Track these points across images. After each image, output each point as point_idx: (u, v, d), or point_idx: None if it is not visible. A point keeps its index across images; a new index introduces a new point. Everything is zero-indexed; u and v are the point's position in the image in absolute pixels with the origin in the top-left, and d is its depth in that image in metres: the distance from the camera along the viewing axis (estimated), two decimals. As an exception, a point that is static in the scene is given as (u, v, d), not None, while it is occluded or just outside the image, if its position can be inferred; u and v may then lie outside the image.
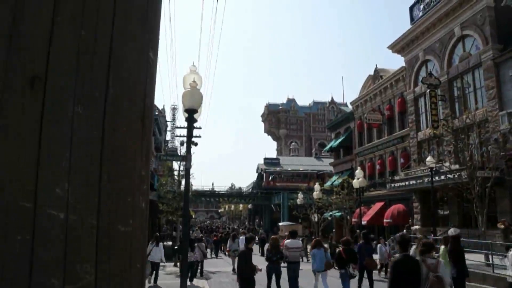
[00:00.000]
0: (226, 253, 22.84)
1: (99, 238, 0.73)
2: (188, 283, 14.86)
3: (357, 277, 11.67)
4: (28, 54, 0.75)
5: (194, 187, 45.26)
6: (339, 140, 40.34)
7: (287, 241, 12.78)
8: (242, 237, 19.49)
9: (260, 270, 10.28)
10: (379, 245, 17.72)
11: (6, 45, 0.74)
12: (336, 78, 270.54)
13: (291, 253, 11.81)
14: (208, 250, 26.20)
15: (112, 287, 0.74)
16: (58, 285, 0.69)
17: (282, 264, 11.69)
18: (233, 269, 18.64)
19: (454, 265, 9.59)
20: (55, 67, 0.75)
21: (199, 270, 17.62)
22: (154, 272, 14.90)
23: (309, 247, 20.52)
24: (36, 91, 0.73)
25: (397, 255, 6.31)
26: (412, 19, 28.10)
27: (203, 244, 19.38)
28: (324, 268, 11.61)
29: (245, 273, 9.71)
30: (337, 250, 14.41)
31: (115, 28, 0.80)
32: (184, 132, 21.09)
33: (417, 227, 23.68)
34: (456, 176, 19.42)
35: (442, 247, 10.43)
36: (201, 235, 25.06)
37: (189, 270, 15.13)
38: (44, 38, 0.75)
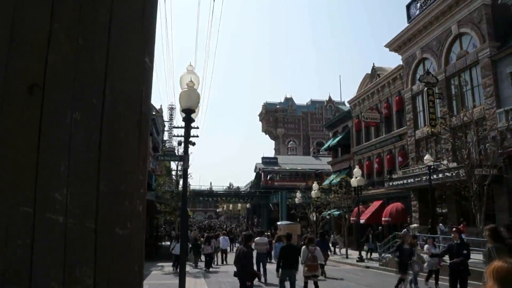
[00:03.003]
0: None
1: (98, 242, 0.74)
2: (204, 269, 19.61)
3: None
4: (27, 61, 0.76)
5: (192, 187, 45.27)
6: (337, 139, 40.35)
7: (256, 238, 16.32)
8: (222, 237, 23.67)
9: (260, 277, 11.51)
10: (426, 246, 14.05)
11: (5, 53, 0.75)
12: (333, 77, 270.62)
13: (259, 247, 16.14)
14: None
15: (110, 289, 0.76)
16: (58, 288, 0.70)
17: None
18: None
19: None
20: (53, 74, 0.76)
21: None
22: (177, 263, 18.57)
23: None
24: (34, 98, 0.75)
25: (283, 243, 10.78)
26: (409, 17, 28.11)
27: (214, 240, 24.23)
28: None
29: (247, 276, 8.91)
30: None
31: (112, 35, 0.82)
32: (181, 132, 21.19)
33: (415, 225, 23.72)
34: (454, 174, 19.45)
35: None
36: (212, 233, 29.36)
37: (210, 260, 20.49)
38: (42, 45, 0.77)
